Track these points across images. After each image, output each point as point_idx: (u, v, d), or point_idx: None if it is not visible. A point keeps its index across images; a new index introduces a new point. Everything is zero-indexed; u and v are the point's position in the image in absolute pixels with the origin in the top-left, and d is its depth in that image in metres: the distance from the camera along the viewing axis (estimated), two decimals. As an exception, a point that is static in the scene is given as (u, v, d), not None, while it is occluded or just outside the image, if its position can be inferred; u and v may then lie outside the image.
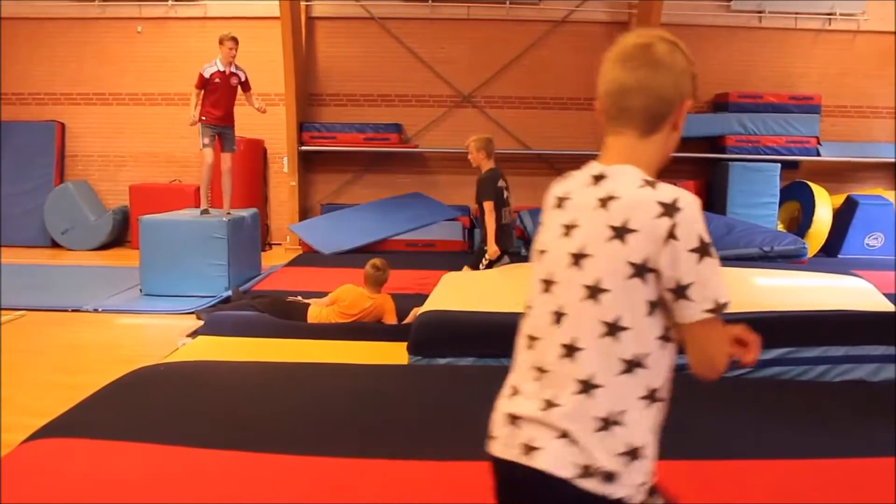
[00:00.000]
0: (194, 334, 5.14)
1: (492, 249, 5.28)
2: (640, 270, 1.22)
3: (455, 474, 2.71)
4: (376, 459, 2.78)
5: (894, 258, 8.66)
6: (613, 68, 1.34)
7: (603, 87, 1.36)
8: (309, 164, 10.49)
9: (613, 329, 1.23)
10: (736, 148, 9.79)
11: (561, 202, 1.38)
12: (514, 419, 1.31)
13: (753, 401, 3.51)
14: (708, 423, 3.16)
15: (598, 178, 1.32)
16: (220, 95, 7.01)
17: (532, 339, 1.36)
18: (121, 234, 10.15)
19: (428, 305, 4.53)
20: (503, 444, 1.32)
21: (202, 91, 6.99)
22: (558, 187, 1.42)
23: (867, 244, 9.31)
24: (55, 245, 9.97)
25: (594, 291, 1.24)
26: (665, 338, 1.26)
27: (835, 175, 10.32)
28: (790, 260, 7.63)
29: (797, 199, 9.54)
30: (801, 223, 9.30)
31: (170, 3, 10.18)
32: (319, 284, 6.07)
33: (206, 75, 6.94)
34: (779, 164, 9.49)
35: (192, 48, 9.94)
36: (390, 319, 5.27)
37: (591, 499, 1.21)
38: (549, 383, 1.28)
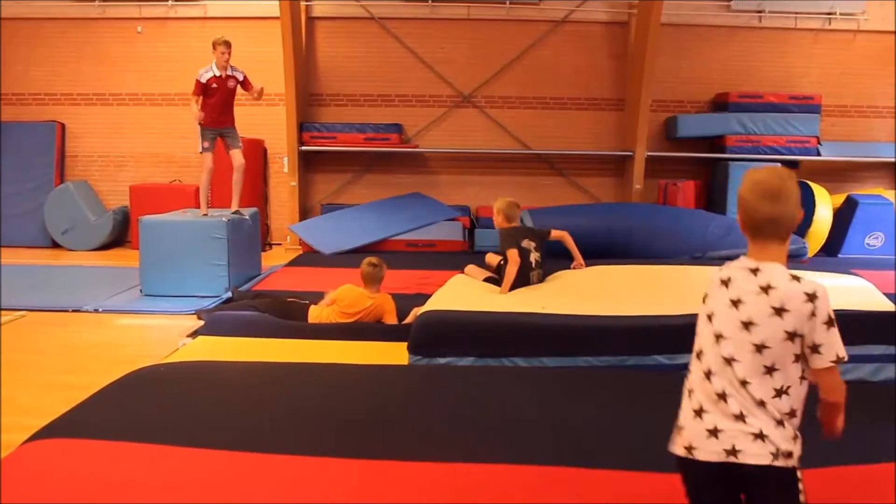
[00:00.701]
0: (194, 334, 5.14)
1: (504, 291, 5.08)
2: (792, 336, 1.89)
3: (456, 474, 2.71)
4: (377, 460, 2.79)
5: (894, 258, 8.66)
6: (761, 202, 1.98)
7: (751, 215, 2.00)
8: (309, 164, 10.49)
9: (770, 370, 1.90)
10: (736, 148, 9.79)
11: (726, 283, 2.02)
12: (713, 432, 1.91)
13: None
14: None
15: (755, 271, 1.98)
16: (217, 99, 6.95)
17: (708, 374, 1.96)
18: (121, 235, 10.16)
19: (429, 305, 4.54)
20: (708, 451, 1.91)
21: (201, 97, 6.93)
22: (721, 272, 2.06)
23: (867, 244, 9.31)
24: (55, 245, 9.98)
25: (760, 348, 1.90)
26: (802, 377, 1.92)
27: (835, 175, 10.32)
28: (790, 259, 7.58)
29: (797, 199, 9.53)
30: (801, 223, 9.28)
31: (170, 3, 10.18)
32: (320, 284, 6.07)
33: (203, 81, 6.87)
34: (779, 164, 9.47)
35: (193, 48, 9.94)
36: (391, 319, 5.27)
37: (781, 471, 1.89)
38: (733, 405, 1.90)
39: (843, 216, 9.31)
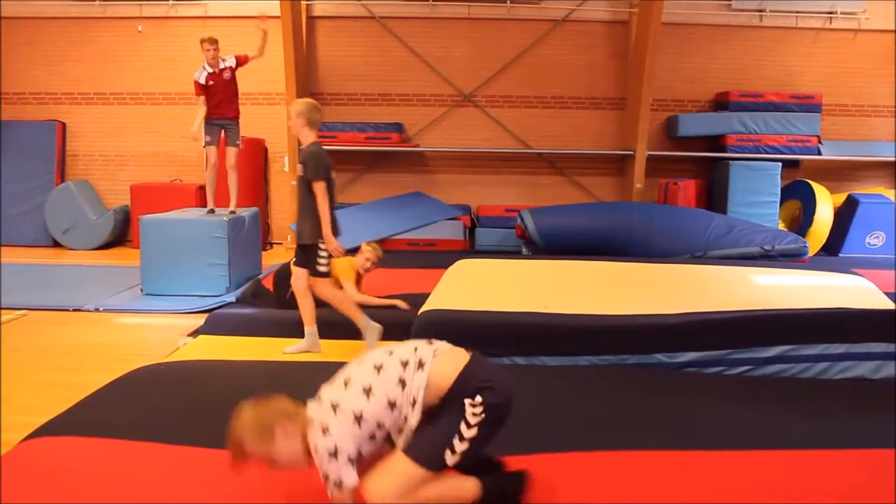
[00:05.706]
0: (195, 333, 5.14)
1: (331, 242, 4.84)
2: None
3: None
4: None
5: (895, 257, 8.66)
6: None
7: None
8: (310, 163, 10.47)
9: None
10: (737, 147, 9.78)
11: None
12: None
13: (755, 398, 3.51)
14: (708, 420, 3.16)
15: None
16: (219, 94, 7.02)
17: None
18: (122, 234, 10.17)
19: (430, 303, 4.53)
20: None
21: (204, 96, 7.00)
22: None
23: (868, 243, 9.31)
24: (56, 244, 9.98)
25: None
26: None
27: (836, 174, 10.32)
28: (791, 259, 7.63)
29: (798, 198, 9.54)
30: (802, 222, 9.30)
31: (170, 2, 10.18)
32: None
33: (203, 82, 6.95)
34: (780, 163, 9.48)
35: (193, 47, 9.87)
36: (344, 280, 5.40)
37: None
38: None
39: (844, 215, 9.31)
